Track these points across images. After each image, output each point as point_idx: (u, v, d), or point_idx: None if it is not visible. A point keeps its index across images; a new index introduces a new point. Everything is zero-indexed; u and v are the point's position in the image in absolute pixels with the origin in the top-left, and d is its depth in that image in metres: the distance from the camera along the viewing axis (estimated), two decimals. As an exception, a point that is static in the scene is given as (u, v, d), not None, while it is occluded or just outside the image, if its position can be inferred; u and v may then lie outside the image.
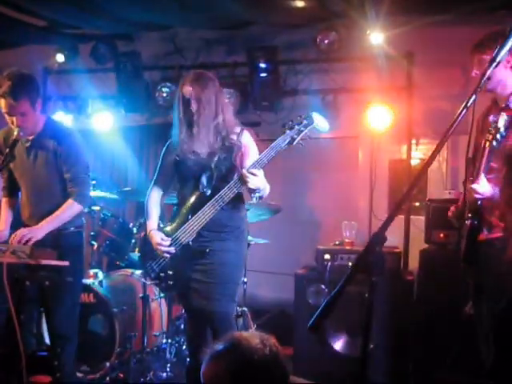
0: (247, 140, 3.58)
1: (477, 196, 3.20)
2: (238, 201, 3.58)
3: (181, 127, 3.56)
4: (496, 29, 3.31)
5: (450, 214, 3.62)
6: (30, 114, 3.71)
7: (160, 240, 3.54)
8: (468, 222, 3.33)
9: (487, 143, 3.16)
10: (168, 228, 3.62)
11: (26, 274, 3.64)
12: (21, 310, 3.67)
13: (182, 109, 3.53)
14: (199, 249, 3.51)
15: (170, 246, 3.53)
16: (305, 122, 3.49)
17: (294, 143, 3.43)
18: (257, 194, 3.44)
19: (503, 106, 3.36)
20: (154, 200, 3.77)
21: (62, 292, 3.76)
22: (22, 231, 3.64)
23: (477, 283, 3.45)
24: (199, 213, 3.46)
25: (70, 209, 3.78)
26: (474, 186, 3.19)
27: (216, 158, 3.50)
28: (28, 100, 3.68)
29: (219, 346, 2.02)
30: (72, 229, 3.86)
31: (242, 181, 3.36)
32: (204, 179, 3.51)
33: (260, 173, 3.35)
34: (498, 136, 3.11)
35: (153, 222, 3.70)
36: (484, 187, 3.19)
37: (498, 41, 3.20)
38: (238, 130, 3.60)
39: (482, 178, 3.19)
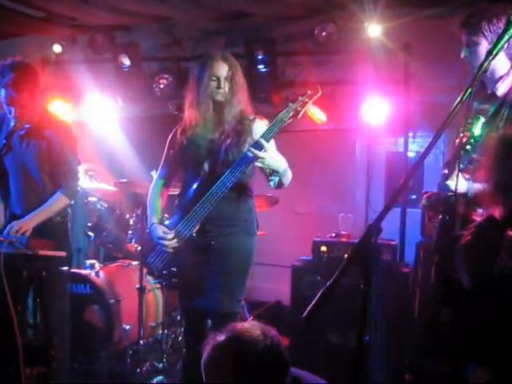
0: (258, 128, 3.37)
1: (449, 193, 3.09)
2: (243, 190, 3.40)
3: (202, 107, 3.37)
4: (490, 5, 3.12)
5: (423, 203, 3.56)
6: (28, 105, 3.70)
7: (162, 234, 3.33)
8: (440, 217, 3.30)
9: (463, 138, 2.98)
10: (170, 221, 3.45)
11: (23, 264, 3.65)
12: (17, 301, 3.69)
13: (211, 87, 3.34)
14: (203, 243, 3.31)
15: (172, 238, 3.32)
16: (309, 92, 3.30)
17: (299, 116, 3.26)
18: (275, 178, 3.24)
19: (489, 92, 3.16)
20: (157, 192, 3.58)
21: (56, 282, 3.78)
22: (17, 224, 3.65)
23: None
24: (201, 201, 3.25)
25: (58, 202, 3.80)
26: (449, 182, 3.05)
27: (227, 142, 3.33)
28: (29, 92, 3.68)
29: (220, 337, 2.03)
30: (58, 219, 3.86)
31: (248, 160, 3.16)
32: (206, 165, 3.34)
33: (271, 148, 3.16)
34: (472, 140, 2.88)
35: (154, 215, 3.48)
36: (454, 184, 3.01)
37: (492, 21, 2.98)
38: (251, 116, 3.45)
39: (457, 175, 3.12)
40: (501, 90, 3.10)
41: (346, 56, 5.92)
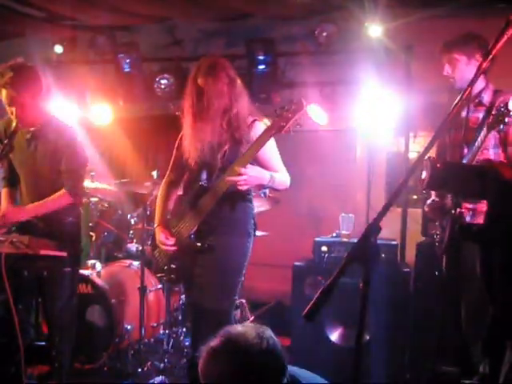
0: (258, 131, 3.40)
1: None
2: (239, 191, 3.42)
3: (190, 118, 3.46)
4: (467, 32, 3.63)
5: (427, 208, 3.69)
6: (30, 105, 3.71)
7: (163, 239, 3.52)
8: (452, 212, 3.36)
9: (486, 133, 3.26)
10: (172, 222, 3.60)
11: (24, 264, 3.67)
12: (19, 300, 3.70)
13: (195, 100, 3.43)
14: (199, 243, 3.44)
15: (173, 244, 3.51)
16: (293, 107, 3.26)
17: (283, 131, 3.27)
18: (265, 189, 3.38)
19: (476, 101, 3.55)
20: (165, 193, 3.73)
21: (59, 282, 3.78)
22: (5, 210, 3.71)
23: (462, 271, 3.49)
24: (198, 205, 3.41)
25: (60, 199, 3.78)
26: None
27: (222, 151, 3.42)
28: (29, 92, 3.69)
29: (215, 343, 2.00)
30: (70, 219, 3.87)
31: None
32: (204, 172, 3.46)
33: (251, 170, 3.26)
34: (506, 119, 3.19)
35: (160, 216, 3.66)
36: None
37: (469, 44, 3.42)
38: (249, 121, 3.47)
39: None
40: (486, 99, 3.56)
41: (346, 56, 5.92)
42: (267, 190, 3.38)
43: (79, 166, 3.88)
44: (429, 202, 3.75)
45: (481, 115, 3.46)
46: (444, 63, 3.70)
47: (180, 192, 3.83)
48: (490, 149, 3.47)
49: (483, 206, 3.41)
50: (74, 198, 3.82)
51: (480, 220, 3.43)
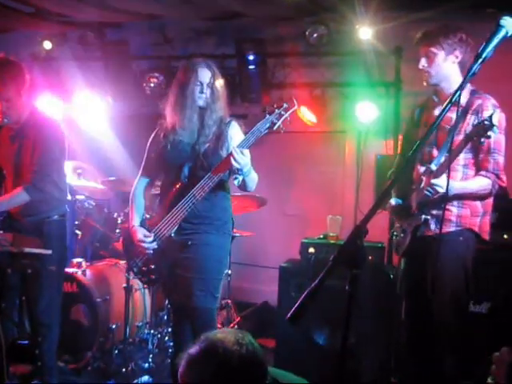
0: (235, 132, 3.51)
1: (440, 191, 3.11)
2: (219, 190, 3.48)
3: (187, 112, 3.46)
4: (445, 23, 3.35)
5: (389, 209, 3.58)
6: (15, 100, 3.68)
7: (142, 237, 3.47)
8: (419, 217, 3.32)
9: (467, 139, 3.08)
10: (151, 221, 3.57)
11: (8, 261, 3.63)
12: (2, 298, 3.66)
13: (195, 93, 3.45)
14: (181, 241, 3.43)
15: (152, 241, 3.46)
16: (285, 105, 3.37)
17: (275, 128, 3.35)
18: (239, 177, 3.36)
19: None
20: (139, 193, 3.69)
21: (44, 280, 3.74)
22: None
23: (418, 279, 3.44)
24: (180, 203, 3.37)
25: (17, 197, 3.70)
26: (436, 181, 3.11)
27: (206, 147, 3.44)
28: (14, 86, 3.66)
29: (194, 351, 1.95)
30: (56, 217, 3.83)
31: (228, 159, 3.26)
32: (186, 169, 3.44)
33: (247, 153, 3.26)
34: (489, 133, 2.98)
35: (135, 216, 3.60)
36: (444, 182, 3.07)
37: (449, 38, 3.23)
38: (227, 120, 3.54)
39: (444, 174, 3.11)
40: (462, 98, 3.23)
41: (336, 58, 5.94)
42: (240, 178, 3.38)
43: (47, 162, 3.74)
44: (393, 202, 3.58)
45: (454, 115, 3.16)
46: (420, 56, 3.38)
47: (155, 192, 3.84)
48: (461, 153, 3.24)
49: (450, 213, 3.29)
50: (31, 194, 3.69)
51: (446, 229, 3.27)
